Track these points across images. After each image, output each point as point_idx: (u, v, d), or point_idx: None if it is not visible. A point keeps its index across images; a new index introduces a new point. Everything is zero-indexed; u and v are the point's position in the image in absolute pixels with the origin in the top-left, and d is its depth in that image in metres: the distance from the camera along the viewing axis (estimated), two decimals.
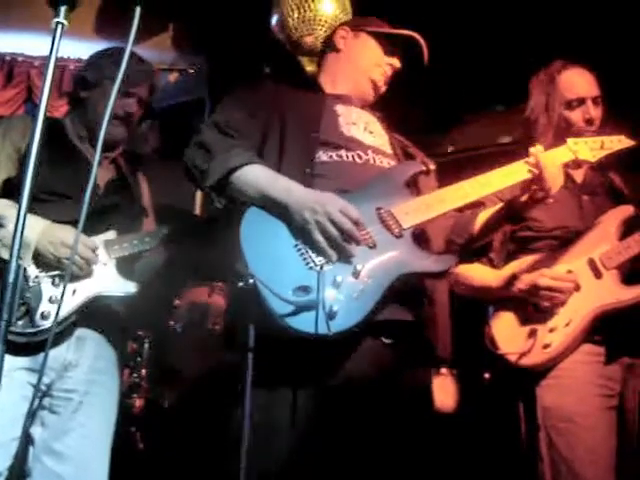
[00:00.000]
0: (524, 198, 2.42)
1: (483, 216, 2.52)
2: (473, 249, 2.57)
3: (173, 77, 5.03)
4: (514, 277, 2.85)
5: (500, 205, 2.49)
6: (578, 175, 3.03)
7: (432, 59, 2.63)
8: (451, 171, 2.53)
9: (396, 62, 2.62)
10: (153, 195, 3.04)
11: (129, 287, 2.59)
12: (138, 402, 4.24)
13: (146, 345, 4.36)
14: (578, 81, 2.98)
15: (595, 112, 2.93)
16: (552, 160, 2.40)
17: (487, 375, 4.49)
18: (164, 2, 2.24)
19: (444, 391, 4.51)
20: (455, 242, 2.51)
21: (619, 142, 2.58)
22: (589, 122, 2.89)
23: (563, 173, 2.41)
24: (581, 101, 2.93)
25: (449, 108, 5.55)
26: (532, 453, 2.79)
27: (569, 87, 2.96)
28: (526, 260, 2.89)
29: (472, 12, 4.66)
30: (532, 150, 2.39)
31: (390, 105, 2.68)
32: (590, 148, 2.52)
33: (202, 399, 4.05)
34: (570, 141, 2.52)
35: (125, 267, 2.65)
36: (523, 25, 4.68)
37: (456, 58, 4.68)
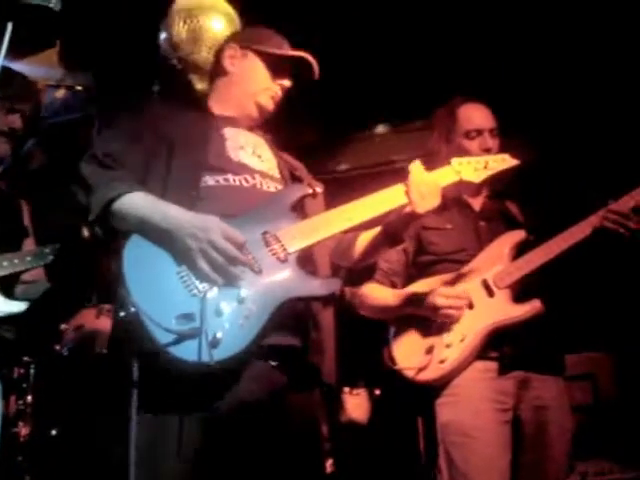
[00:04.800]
0: (393, 215, 2.45)
1: (364, 238, 2.54)
2: (357, 271, 2.60)
3: (60, 94, 4.90)
4: (413, 296, 2.97)
5: (379, 227, 2.52)
6: (476, 203, 3.20)
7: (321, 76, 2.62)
8: (343, 189, 2.56)
9: (286, 82, 2.59)
10: (38, 214, 2.96)
11: (12, 307, 2.51)
12: (24, 430, 4.09)
13: (32, 371, 4.21)
14: (476, 114, 3.16)
15: (492, 143, 3.09)
16: (432, 179, 2.44)
17: (377, 392, 4.61)
18: (50, 17, 2.18)
19: (359, 409, 4.59)
20: (338, 265, 2.53)
21: (503, 161, 2.64)
22: (486, 152, 3.02)
23: (440, 194, 2.44)
24: (479, 132, 3.11)
25: (337, 126, 5.63)
26: (432, 467, 2.89)
27: (468, 119, 3.14)
28: (425, 282, 3.01)
29: (361, 33, 4.74)
30: (410, 166, 2.44)
31: (280, 121, 2.67)
32: (474, 168, 2.57)
33: (89, 428, 3.94)
34: (454, 161, 2.57)
35: (6, 287, 2.57)
36: (411, 49, 4.80)
37: (344, 77, 4.75)
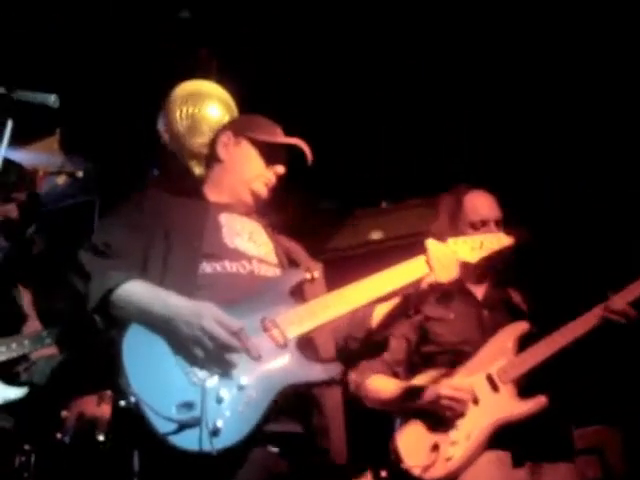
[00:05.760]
0: (411, 289, 2.45)
1: (380, 310, 2.53)
2: (371, 344, 2.57)
3: (61, 180, 4.97)
4: (417, 388, 2.96)
5: (397, 300, 2.51)
6: (479, 292, 3.21)
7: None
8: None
9: (280, 169, 2.61)
10: (41, 299, 2.97)
11: (10, 393, 2.50)
12: None
13: (33, 459, 4.15)
14: (481, 204, 3.20)
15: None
16: (451, 250, 2.47)
17: (384, 474, 4.52)
18: (50, 112, 2.26)
19: None
20: (354, 337, 2.52)
21: (498, 241, 2.63)
22: None
23: (459, 266, 2.46)
24: (484, 223, 3.14)
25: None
26: None
27: (473, 210, 3.18)
28: (429, 374, 3.02)
29: (358, 112, 4.83)
30: (426, 241, 2.45)
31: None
32: (471, 247, 2.56)
33: None
34: (450, 240, 2.57)
35: (5, 373, 2.56)
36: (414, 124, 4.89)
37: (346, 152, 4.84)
